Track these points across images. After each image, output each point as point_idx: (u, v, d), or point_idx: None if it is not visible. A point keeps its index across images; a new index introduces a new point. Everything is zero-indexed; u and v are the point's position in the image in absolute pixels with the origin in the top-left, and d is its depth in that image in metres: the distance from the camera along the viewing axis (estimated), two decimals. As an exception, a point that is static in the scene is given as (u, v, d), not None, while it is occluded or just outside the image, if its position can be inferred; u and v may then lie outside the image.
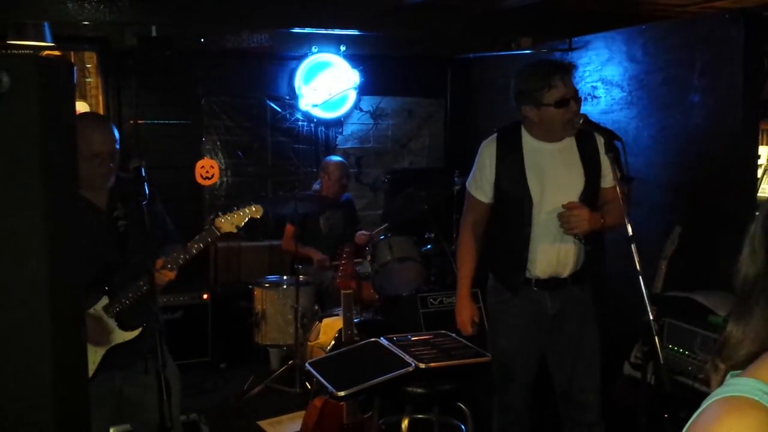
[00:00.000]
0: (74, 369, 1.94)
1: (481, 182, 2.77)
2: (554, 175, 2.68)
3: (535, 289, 2.74)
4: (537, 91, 2.59)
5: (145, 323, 2.55)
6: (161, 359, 2.25)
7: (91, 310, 2.54)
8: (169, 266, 2.54)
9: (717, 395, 0.86)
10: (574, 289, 2.76)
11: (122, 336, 2.56)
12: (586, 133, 2.70)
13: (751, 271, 0.92)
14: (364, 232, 4.94)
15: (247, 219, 2.66)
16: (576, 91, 2.64)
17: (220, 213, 2.66)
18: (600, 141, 2.64)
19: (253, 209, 2.67)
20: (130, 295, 2.51)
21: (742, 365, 0.91)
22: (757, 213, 0.96)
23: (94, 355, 2.53)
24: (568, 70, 2.63)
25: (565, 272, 2.73)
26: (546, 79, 2.58)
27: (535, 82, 2.61)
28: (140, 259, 2.54)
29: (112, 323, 2.56)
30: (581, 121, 2.63)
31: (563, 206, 2.61)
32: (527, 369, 2.82)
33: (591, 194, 2.71)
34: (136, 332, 2.57)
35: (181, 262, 2.57)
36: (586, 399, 2.80)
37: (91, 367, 2.52)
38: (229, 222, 2.64)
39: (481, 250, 2.87)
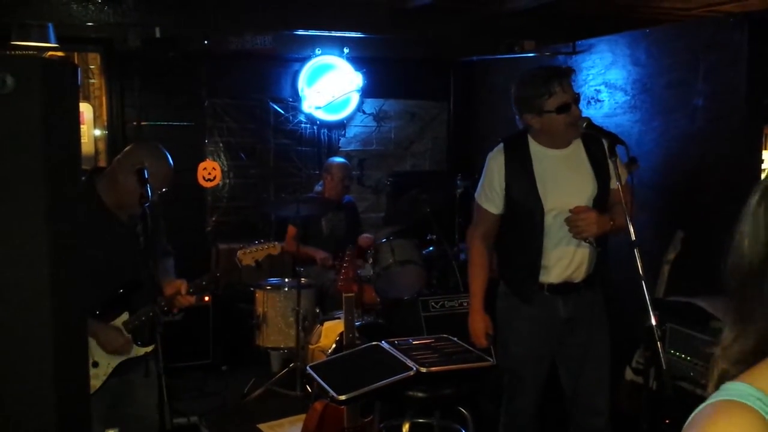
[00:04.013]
0: (76, 370, 1.94)
1: (491, 194, 2.74)
2: (564, 182, 2.67)
3: (548, 294, 2.72)
4: (537, 99, 2.59)
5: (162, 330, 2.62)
6: (161, 362, 2.25)
7: (112, 324, 2.59)
8: (191, 291, 2.69)
9: (710, 399, 0.86)
10: (586, 293, 2.75)
11: (137, 351, 2.62)
12: (591, 136, 2.69)
13: (755, 258, 0.88)
14: (367, 235, 4.93)
15: (266, 254, 2.97)
16: (576, 95, 2.64)
17: (243, 245, 2.96)
18: (605, 144, 2.64)
19: (272, 246, 2.98)
20: (151, 314, 2.57)
21: (741, 360, 0.90)
22: (749, 200, 0.92)
23: (107, 367, 2.58)
24: (566, 74, 2.63)
25: (579, 277, 2.72)
26: (545, 86, 2.57)
27: (534, 90, 2.60)
28: (156, 278, 2.63)
29: (129, 338, 2.60)
30: (584, 125, 2.62)
31: (570, 211, 2.60)
32: (538, 374, 2.80)
33: (602, 197, 2.70)
34: (150, 348, 2.63)
35: (203, 286, 2.77)
36: (596, 403, 2.78)
37: (102, 378, 2.55)
38: (249, 255, 2.93)
39: (492, 258, 2.86)
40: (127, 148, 2.68)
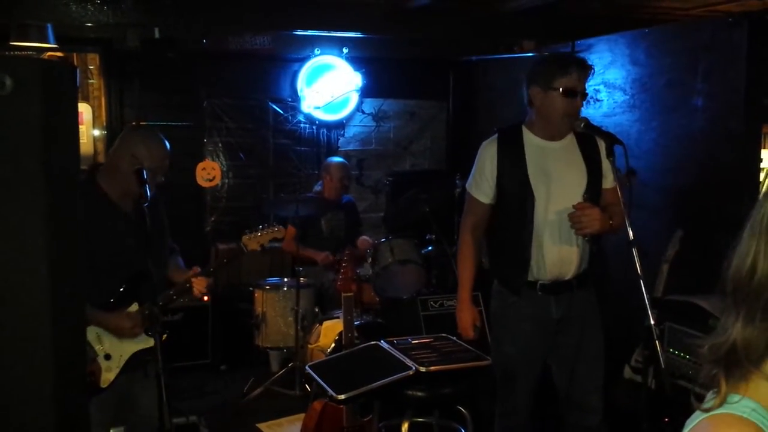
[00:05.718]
0: (74, 369, 1.94)
1: (482, 183, 2.75)
2: (557, 174, 2.67)
3: (540, 293, 2.72)
4: (550, 74, 2.61)
5: (168, 331, 2.64)
6: (160, 362, 2.25)
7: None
8: (206, 274, 2.71)
9: (710, 413, 0.87)
10: (578, 292, 2.75)
11: (148, 342, 2.59)
12: (587, 135, 2.70)
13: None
14: (366, 238, 4.92)
15: (270, 238, 2.90)
16: (585, 92, 2.65)
17: (247, 231, 2.89)
18: (601, 144, 2.64)
19: (276, 230, 2.90)
20: (161, 303, 2.56)
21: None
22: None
23: (119, 360, 2.57)
24: (586, 68, 2.65)
25: (569, 274, 2.71)
26: (563, 66, 2.61)
27: (552, 65, 2.64)
28: (164, 268, 2.64)
29: (137, 320, 2.60)
30: (582, 125, 2.62)
31: (573, 206, 2.59)
32: (531, 374, 2.80)
33: (593, 193, 2.70)
34: (162, 338, 2.60)
35: (211, 270, 2.79)
36: (589, 402, 2.79)
37: (116, 371, 2.54)
38: (254, 240, 2.87)
39: (484, 252, 2.86)
40: (121, 135, 2.70)
